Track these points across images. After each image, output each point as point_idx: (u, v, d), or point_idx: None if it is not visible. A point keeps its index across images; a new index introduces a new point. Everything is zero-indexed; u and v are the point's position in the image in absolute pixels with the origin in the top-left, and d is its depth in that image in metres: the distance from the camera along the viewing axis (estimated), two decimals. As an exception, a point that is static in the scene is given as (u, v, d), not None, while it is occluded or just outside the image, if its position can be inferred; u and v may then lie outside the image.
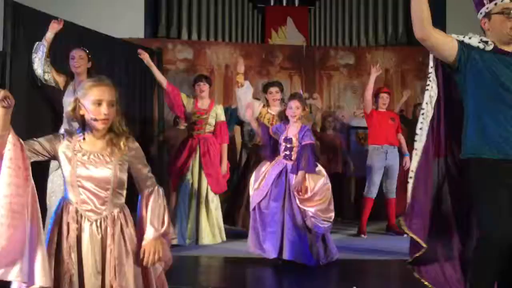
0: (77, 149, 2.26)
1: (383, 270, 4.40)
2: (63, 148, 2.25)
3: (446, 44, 2.65)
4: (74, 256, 2.20)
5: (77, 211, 2.25)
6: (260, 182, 4.49)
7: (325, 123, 7.37)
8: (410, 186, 2.75)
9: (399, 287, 3.84)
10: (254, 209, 4.46)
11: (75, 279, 2.18)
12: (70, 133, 2.31)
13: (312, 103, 7.65)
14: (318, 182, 4.35)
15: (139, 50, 5.32)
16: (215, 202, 5.27)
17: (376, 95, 6.14)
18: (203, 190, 5.22)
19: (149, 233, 2.26)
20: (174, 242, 5.07)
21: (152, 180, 2.37)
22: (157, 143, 7.38)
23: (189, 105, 5.34)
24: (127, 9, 7.74)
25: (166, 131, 7.26)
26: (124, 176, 2.32)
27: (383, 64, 7.98)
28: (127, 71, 6.85)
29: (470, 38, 2.65)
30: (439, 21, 8.17)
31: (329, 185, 4.41)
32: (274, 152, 4.57)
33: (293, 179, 4.34)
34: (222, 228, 5.29)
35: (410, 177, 2.76)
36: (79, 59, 4.49)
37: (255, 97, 7.07)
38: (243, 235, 5.30)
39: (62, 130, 2.27)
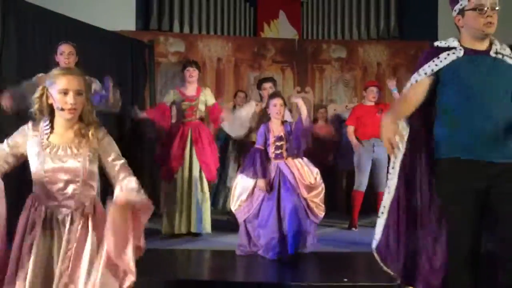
0: (45, 143, 2.23)
1: (373, 263, 4.42)
2: (30, 143, 2.23)
3: (420, 96, 2.71)
4: (34, 253, 2.16)
5: (45, 209, 2.22)
6: (249, 193, 4.41)
7: (317, 114, 7.37)
8: (382, 222, 2.82)
9: (389, 280, 3.86)
10: (244, 220, 4.45)
11: (30, 276, 2.14)
12: (35, 125, 2.27)
13: (304, 97, 7.66)
14: (315, 172, 4.43)
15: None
16: (206, 191, 5.26)
17: (364, 89, 6.16)
18: (195, 179, 5.20)
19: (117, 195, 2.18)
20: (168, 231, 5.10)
21: (126, 171, 2.30)
22: (149, 139, 7.35)
23: (175, 96, 5.31)
24: (118, 2, 7.68)
25: (157, 125, 7.22)
26: (95, 168, 2.29)
27: (375, 57, 8.01)
28: (119, 64, 6.82)
29: (439, 57, 2.65)
30: (430, 22, 8.21)
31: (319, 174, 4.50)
32: (263, 160, 4.44)
33: (289, 174, 4.34)
34: (209, 220, 5.27)
35: (382, 213, 2.82)
36: (69, 54, 4.37)
37: (244, 90, 7.11)
38: (230, 227, 5.32)
39: (25, 125, 2.23)
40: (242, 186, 4.46)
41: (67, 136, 2.26)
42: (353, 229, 5.83)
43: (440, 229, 2.70)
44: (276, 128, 4.47)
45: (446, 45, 2.68)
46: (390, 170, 2.81)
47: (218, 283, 3.68)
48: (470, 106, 2.57)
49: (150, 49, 7.45)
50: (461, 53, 2.63)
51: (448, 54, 2.65)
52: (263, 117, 4.63)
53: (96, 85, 4.38)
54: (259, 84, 5.45)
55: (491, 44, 2.68)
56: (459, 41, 2.69)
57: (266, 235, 4.30)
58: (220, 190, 6.34)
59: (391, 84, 5.94)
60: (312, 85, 7.95)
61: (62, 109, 2.21)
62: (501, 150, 2.54)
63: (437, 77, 2.67)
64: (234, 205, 4.49)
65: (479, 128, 2.55)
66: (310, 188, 4.37)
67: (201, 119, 5.35)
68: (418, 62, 2.75)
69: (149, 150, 7.18)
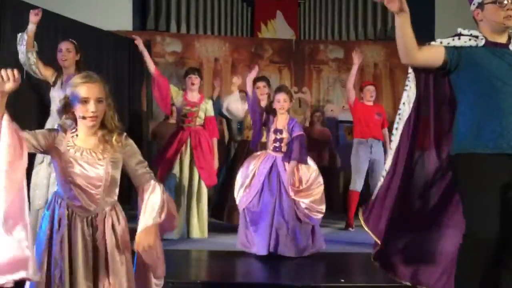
0: (70, 144, 2.25)
1: (370, 263, 4.43)
2: (56, 143, 2.24)
3: (432, 57, 2.67)
4: (65, 252, 2.19)
5: (68, 207, 2.24)
6: (249, 182, 4.45)
7: (314, 117, 7.38)
8: (378, 184, 2.81)
9: (386, 280, 3.87)
10: (243, 209, 4.46)
11: (66, 276, 2.17)
12: (64, 128, 2.29)
13: (301, 97, 7.66)
14: (312, 174, 4.41)
15: (134, 36, 5.25)
16: (204, 196, 5.26)
17: (361, 89, 6.15)
18: (194, 184, 5.20)
19: (141, 224, 2.26)
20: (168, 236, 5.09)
21: (149, 175, 2.36)
22: (146, 137, 7.35)
23: (178, 97, 5.31)
24: (115, 1, 7.69)
25: (155, 125, 7.23)
26: (117, 174, 2.31)
27: (372, 58, 8.02)
28: (115, 64, 6.81)
29: (459, 38, 2.64)
30: (427, 15, 8.22)
31: (321, 177, 4.47)
32: (260, 134, 4.57)
33: (284, 172, 4.34)
34: (206, 225, 5.27)
35: (382, 176, 2.81)
36: (66, 52, 4.38)
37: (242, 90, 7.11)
38: (228, 229, 5.32)
39: (49, 125, 2.25)
40: (242, 176, 4.53)
41: (91, 142, 2.28)
42: (350, 229, 5.84)
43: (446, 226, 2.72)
44: (279, 121, 4.50)
45: (469, 33, 2.67)
46: (393, 131, 2.81)
47: (214, 284, 3.67)
48: (494, 96, 2.56)
49: (147, 49, 7.41)
50: (482, 42, 2.63)
51: (470, 39, 2.64)
52: (269, 111, 4.62)
53: None
54: (253, 82, 5.47)
55: (509, 37, 2.68)
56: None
57: (259, 230, 4.30)
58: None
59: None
60: (309, 85, 7.95)
61: (84, 118, 2.23)
62: None
63: (457, 59, 2.63)
64: (236, 194, 4.54)
65: (503, 121, 2.53)
66: (299, 190, 4.36)
67: (201, 125, 5.36)
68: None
69: (147, 150, 7.19)
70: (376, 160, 5.90)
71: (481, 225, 2.49)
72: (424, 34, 8.77)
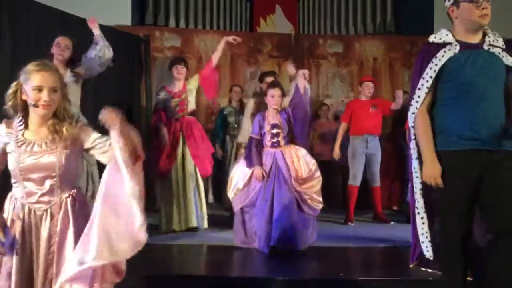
0: (20, 140, 2.22)
1: (369, 257, 4.44)
2: (7, 147, 2.22)
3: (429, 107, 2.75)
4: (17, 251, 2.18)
5: (22, 207, 2.23)
6: (247, 181, 4.41)
7: (320, 111, 7.37)
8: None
9: (384, 274, 3.88)
10: (239, 209, 4.45)
11: (15, 275, 2.15)
12: (9, 123, 2.25)
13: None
14: (312, 167, 4.42)
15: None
16: (201, 187, 5.26)
17: (360, 84, 6.17)
18: (190, 175, 5.19)
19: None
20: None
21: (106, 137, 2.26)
22: (145, 132, 7.34)
23: (165, 95, 5.29)
24: (114, -4, 7.65)
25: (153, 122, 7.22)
26: (72, 163, 2.27)
27: (371, 52, 8.01)
28: (114, 59, 6.78)
29: (439, 60, 2.66)
30: (427, 17, 8.21)
31: (319, 171, 4.48)
32: (258, 149, 4.44)
33: (285, 166, 4.33)
34: (205, 215, 5.27)
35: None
36: (65, 48, 4.31)
37: (240, 85, 7.09)
38: (226, 223, 5.33)
39: None
40: (239, 175, 4.47)
41: (42, 132, 2.24)
42: (349, 223, 5.84)
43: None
44: (272, 116, 4.46)
45: (441, 41, 2.68)
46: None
47: (213, 278, 3.68)
48: (467, 100, 2.60)
49: (146, 44, 7.42)
50: (457, 49, 2.64)
51: (445, 51, 2.65)
52: (260, 105, 4.59)
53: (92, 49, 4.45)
54: (261, 77, 5.46)
55: (484, 35, 2.68)
56: (452, 33, 2.70)
57: (260, 226, 4.29)
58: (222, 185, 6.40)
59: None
60: (308, 80, 7.90)
61: (36, 106, 2.19)
62: (497, 140, 2.59)
63: (436, 75, 2.68)
64: (230, 193, 4.50)
65: (475, 121, 2.58)
66: (303, 180, 4.36)
67: (193, 113, 5.34)
68: (416, 63, 2.77)
69: (144, 144, 7.18)
70: (373, 154, 5.92)
71: (451, 217, 2.65)
72: (424, 30, 8.80)
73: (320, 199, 4.44)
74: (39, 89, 2.18)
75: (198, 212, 5.17)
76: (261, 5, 8.81)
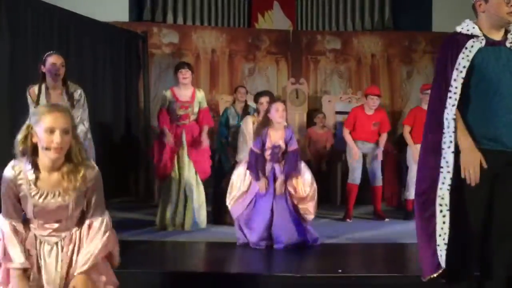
0: (32, 189, 2.18)
1: (367, 254, 4.45)
2: (20, 192, 2.20)
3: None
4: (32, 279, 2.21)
5: (35, 237, 2.25)
6: (246, 189, 4.42)
7: (316, 119, 7.23)
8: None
9: (383, 270, 3.89)
10: (238, 216, 4.46)
11: None
12: (17, 167, 2.20)
13: (298, 88, 7.65)
14: (307, 181, 4.43)
15: None
16: (201, 190, 5.27)
17: (365, 95, 6.03)
18: (190, 178, 5.20)
19: (76, 269, 2.23)
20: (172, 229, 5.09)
21: (101, 209, 2.30)
22: (143, 130, 7.35)
23: (170, 98, 5.22)
24: (111, -8, 7.64)
25: (152, 119, 7.22)
26: (83, 204, 2.28)
27: (369, 48, 8.01)
28: (112, 55, 6.79)
29: (470, 51, 2.59)
30: (425, 13, 8.21)
31: (316, 190, 4.48)
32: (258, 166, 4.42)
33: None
34: (205, 215, 5.28)
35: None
36: (61, 66, 4.10)
37: (244, 86, 7.04)
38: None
39: (9, 168, 2.20)
40: (238, 183, 4.48)
41: (54, 179, 2.20)
42: (348, 220, 5.86)
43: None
44: (275, 135, 4.42)
45: (469, 32, 2.64)
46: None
47: (212, 275, 3.68)
48: (489, 98, 2.57)
49: (144, 40, 7.41)
50: (483, 43, 2.61)
51: (474, 42, 2.60)
52: (263, 123, 4.52)
53: (77, 95, 4.17)
54: (256, 97, 5.36)
55: (506, 32, 2.66)
56: (478, 26, 2.66)
57: (257, 234, 4.33)
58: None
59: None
60: (306, 76, 7.93)
61: (48, 149, 2.13)
62: None
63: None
64: (229, 201, 4.51)
65: (497, 119, 2.56)
66: (299, 199, 4.40)
67: (194, 120, 5.31)
68: (443, 53, 2.66)
69: (144, 144, 7.19)
70: (369, 153, 5.95)
71: (472, 216, 2.57)
72: (422, 26, 8.78)
73: (316, 209, 4.49)
74: (51, 131, 2.11)
75: (195, 215, 5.18)
76: (259, 1, 8.79)
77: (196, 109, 5.26)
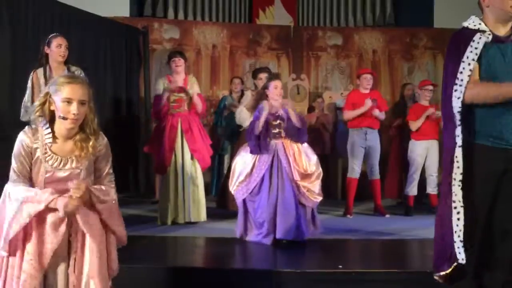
0: (48, 153, 2.23)
1: (367, 250, 4.46)
2: (33, 156, 2.22)
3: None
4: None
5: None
6: (249, 172, 4.37)
7: (315, 104, 7.38)
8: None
9: (383, 267, 3.89)
10: (243, 200, 4.41)
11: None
12: (34, 133, 2.24)
13: (299, 84, 7.65)
14: (312, 160, 4.42)
15: None
16: (200, 180, 5.27)
17: (358, 76, 6.12)
18: (188, 169, 5.20)
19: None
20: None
21: (110, 178, 2.38)
22: (144, 124, 7.34)
23: (165, 85, 5.25)
24: (112, -12, 7.62)
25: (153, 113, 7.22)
26: (92, 173, 2.33)
27: (370, 44, 8.00)
28: (113, 51, 6.78)
29: (478, 43, 2.57)
30: (426, 9, 8.19)
31: (321, 168, 4.48)
32: (259, 140, 4.40)
33: (285, 158, 4.33)
34: (204, 207, 5.28)
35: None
36: (65, 48, 4.29)
37: (240, 77, 7.08)
38: (226, 215, 5.35)
39: (23, 133, 2.24)
40: (240, 166, 4.44)
41: (68, 146, 2.26)
42: (348, 216, 5.86)
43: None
44: (275, 108, 4.42)
45: (476, 28, 2.63)
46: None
47: (212, 270, 3.69)
48: None
49: (145, 36, 7.40)
50: (489, 38, 2.59)
51: (480, 37, 2.58)
52: (259, 98, 4.53)
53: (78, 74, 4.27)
54: (254, 73, 5.43)
55: (511, 28, 2.65)
56: (483, 22, 2.64)
57: (265, 216, 4.27)
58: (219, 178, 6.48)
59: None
60: (307, 72, 7.92)
61: (64, 118, 2.21)
62: None
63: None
64: (232, 185, 4.46)
65: (502, 117, 2.54)
66: (304, 175, 4.36)
67: (188, 109, 5.31)
68: (451, 47, 2.65)
69: (145, 137, 7.18)
70: (371, 146, 5.92)
71: (478, 213, 2.54)
72: (423, 22, 8.76)
73: (319, 191, 4.43)
74: (68, 101, 2.20)
75: (196, 206, 5.18)
76: (260, -3, 8.78)
77: (190, 93, 5.24)
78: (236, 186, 4.44)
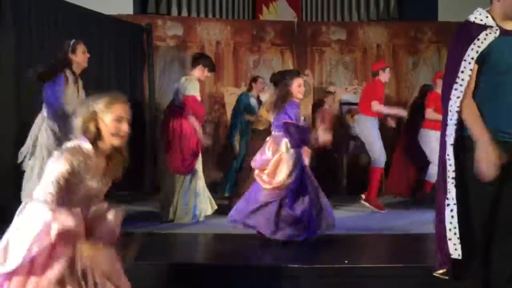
0: (89, 172, 2.23)
1: (373, 244, 4.45)
2: (74, 175, 2.18)
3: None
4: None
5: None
6: (292, 171, 4.17)
7: (326, 99, 7.31)
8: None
9: (389, 261, 3.89)
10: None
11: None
12: (78, 150, 2.22)
13: (304, 80, 7.62)
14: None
15: None
16: (202, 178, 5.30)
17: (383, 69, 5.91)
18: (200, 166, 5.26)
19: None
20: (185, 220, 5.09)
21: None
22: (149, 123, 7.35)
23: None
24: (115, -15, 7.62)
25: (157, 111, 7.23)
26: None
27: (374, 39, 7.97)
28: (117, 48, 6.78)
29: (482, 42, 2.54)
30: (430, 3, 8.14)
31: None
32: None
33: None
34: (208, 204, 5.30)
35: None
36: (87, 53, 4.49)
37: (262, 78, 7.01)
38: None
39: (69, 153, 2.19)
40: (285, 169, 4.18)
41: (101, 163, 2.31)
42: (381, 211, 5.66)
43: None
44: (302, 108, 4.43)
45: (482, 23, 2.60)
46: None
47: (218, 267, 3.69)
48: (503, 90, 2.53)
49: (148, 33, 7.40)
50: (497, 33, 2.56)
51: (487, 35, 2.55)
52: (284, 97, 4.30)
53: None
54: (252, 81, 5.43)
55: None
56: (491, 16, 2.61)
57: (303, 212, 4.20)
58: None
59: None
60: (311, 67, 7.91)
61: (114, 135, 2.27)
62: None
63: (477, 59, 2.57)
64: (273, 183, 4.18)
65: (510, 113, 2.53)
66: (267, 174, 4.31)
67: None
68: (454, 43, 2.62)
69: (150, 137, 7.20)
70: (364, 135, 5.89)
71: (480, 208, 2.54)
72: (427, 16, 8.69)
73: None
74: (120, 120, 2.28)
75: (200, 204, 5.20)
76: (263, -7, 8.77)
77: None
78: (278, 187, 4.18)
